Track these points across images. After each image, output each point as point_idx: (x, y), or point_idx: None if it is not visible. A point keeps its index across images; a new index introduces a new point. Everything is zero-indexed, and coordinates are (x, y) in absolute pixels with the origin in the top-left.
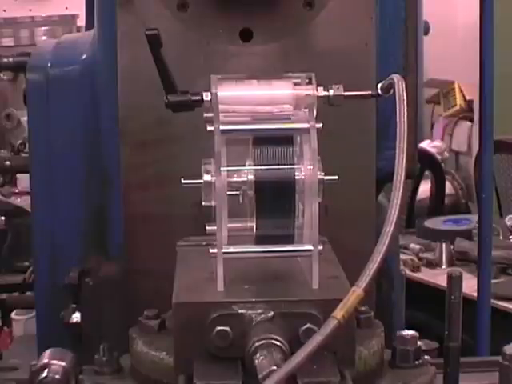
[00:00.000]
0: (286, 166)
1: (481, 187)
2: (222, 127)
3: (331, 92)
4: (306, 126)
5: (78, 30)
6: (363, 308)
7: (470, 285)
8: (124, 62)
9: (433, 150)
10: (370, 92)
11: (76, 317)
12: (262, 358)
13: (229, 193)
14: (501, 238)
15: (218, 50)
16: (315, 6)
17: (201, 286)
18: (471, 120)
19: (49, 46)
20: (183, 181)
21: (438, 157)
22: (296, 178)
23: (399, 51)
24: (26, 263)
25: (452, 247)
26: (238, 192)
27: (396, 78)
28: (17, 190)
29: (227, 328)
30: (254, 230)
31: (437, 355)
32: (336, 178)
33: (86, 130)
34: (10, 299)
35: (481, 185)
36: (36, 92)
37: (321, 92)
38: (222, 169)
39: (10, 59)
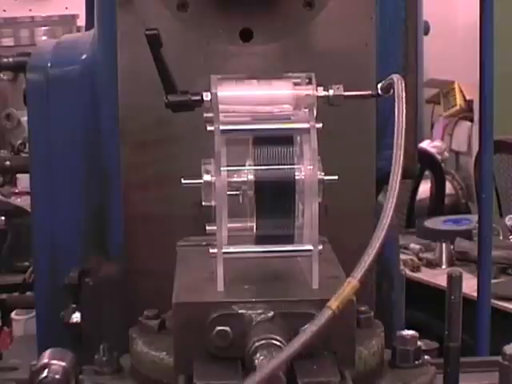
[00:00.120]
0: (285, 166)
1: (481, 187)
2: (222, 127)
3: (331, 92)
4: (305, 125)
5: (78, 30)
6: (363, 308)
7: (470, 285)
8: (124, 62)
9: (433, 150)
10: (369, 92)
11: (76, 317)
12: (262, 357)
13: (229, 193)
14: (501, 237)
15: (217, 50)
16: (315, 6)
17: (201, 286)
18: (471, 120)
19: (49, 46)
20: (183, 181)
21: (438, 157)
22: (296, 178)
23: (399, 51)
24: (26, 263)
25: (452, 247)
26: (237, 192)
27: (395, 77)
28: (17, 190)
29: (227, 328)
30: (254, 230)
31: (437, 355)
32: (336, 178)
33: (86, 129)
34: (10, 299)
35: (481, 185)
36: (36, 92)
37: (321, 92)
38: (221, 169)
39: (10, 59)
